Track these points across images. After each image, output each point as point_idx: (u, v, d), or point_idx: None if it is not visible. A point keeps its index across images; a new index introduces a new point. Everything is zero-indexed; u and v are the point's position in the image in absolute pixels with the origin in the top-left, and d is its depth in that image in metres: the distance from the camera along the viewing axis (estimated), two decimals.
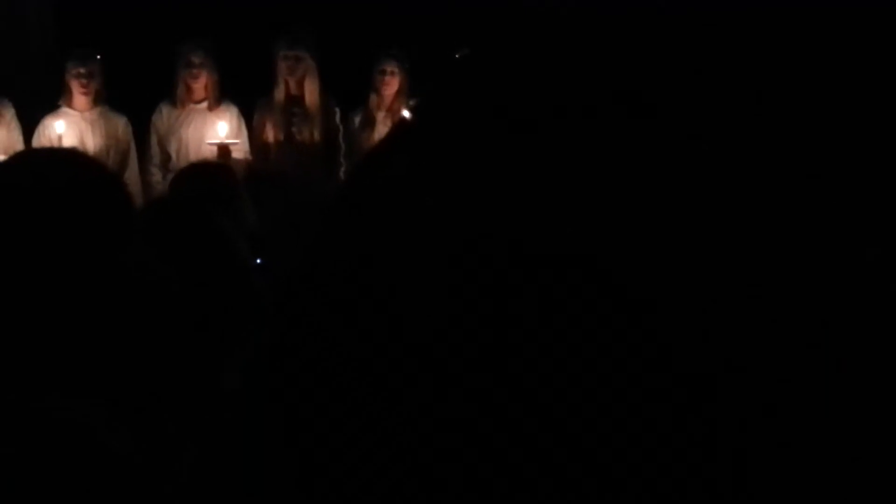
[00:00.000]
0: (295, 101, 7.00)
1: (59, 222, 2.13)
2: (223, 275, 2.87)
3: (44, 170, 2.21)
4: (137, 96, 7.12)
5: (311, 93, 6.98)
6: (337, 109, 7.10)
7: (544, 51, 0.71)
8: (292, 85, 6.99)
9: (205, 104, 7.03)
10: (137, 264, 2.23)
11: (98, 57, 7.00)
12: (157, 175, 7.08)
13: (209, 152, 6.80)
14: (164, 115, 7.09)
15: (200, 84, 6.99)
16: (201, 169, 4.50)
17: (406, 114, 6.91)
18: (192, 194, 3.87)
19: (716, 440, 0.61)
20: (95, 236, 2.15)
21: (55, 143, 6.61)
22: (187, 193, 3.94)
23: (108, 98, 7.06)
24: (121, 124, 7.06)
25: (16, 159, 2.41)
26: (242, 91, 7.12)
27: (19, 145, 6.80)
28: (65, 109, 6.96)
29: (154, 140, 7.10)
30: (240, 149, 6.93)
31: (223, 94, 7.06)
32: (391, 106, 7.13)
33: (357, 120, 7.21)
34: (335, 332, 0.69)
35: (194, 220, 2.96)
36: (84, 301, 2.11)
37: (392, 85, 7.13)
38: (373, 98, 7.18)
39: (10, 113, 6.83)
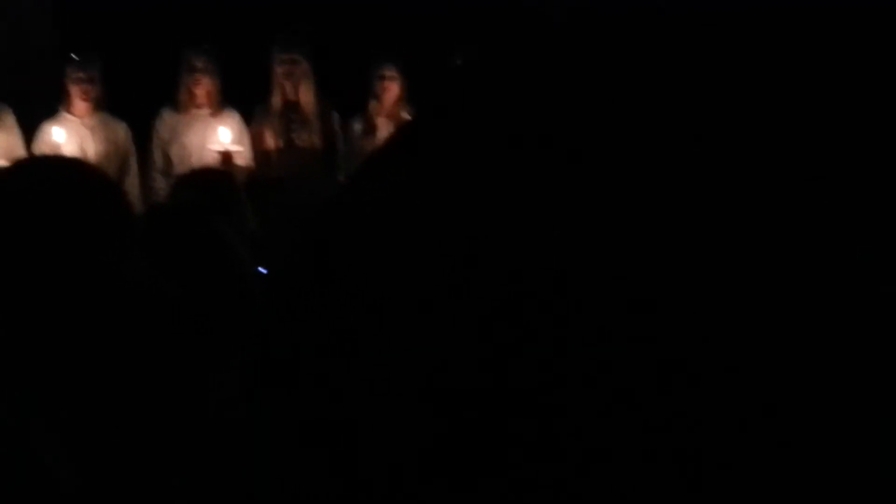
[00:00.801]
0: (292, 106, 6.99)
1: (55, 231, 2.13)
2: (223, 283, 2.86)
3: (42, 179, 2.21)
4: (139, 102, 7.10)
5: (307, 96, 6.99)
6: (335, 114, 7.10)
7: (541, 62, 0.70)
8: (289, 89, 6.99)
9: (207, 110, 7.02)
10: (136, 272, 2.23)
11: (98, 62, 6.98)
12: (159, 181, 7.06)
13: (211, 158, 6.79)
14: (166, 121, 7.08)
15: (203, 89, 6.98)
16: (202, 175, 4.49)
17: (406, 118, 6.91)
18: (192, 201, 3.86)
19: (713, 439, 0.61)
20: (93, 244, 2.14)
21: (55, 150, 6.59)
22: (188, 200, 3.93)
23: (108, 104, 7.03)
24: (121, 130, 7.04)
25: (14, 168, 2.41)
26: (244, 97, 7.11)
27: (20, 151, 6.79)
28: (65, 115, 6.94)
29: (156, 146, 7.09)
30: (242, 155, 6.91)
31: (225, 100, 7.05)
32: (391, 111, 7.12)
33: (358, 126, 7.19)
34: (327, 333, 0.69)
35: (194, 227, 2.95)
36: (80, 309, 2.10)
37: (392, 90, 7.11)
38: (373, 104, 7.16)
39: (10, 119, 6.81)
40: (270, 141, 7.03)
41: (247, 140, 7.04)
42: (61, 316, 2.11)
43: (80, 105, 6.93)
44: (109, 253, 2.18)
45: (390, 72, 7.12)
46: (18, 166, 2.42)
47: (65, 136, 6.75)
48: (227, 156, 6.73)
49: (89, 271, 2.13)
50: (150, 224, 2.85)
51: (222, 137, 6.81)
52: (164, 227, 2.88)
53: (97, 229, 2.17)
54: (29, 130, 6.89)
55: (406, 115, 6.96)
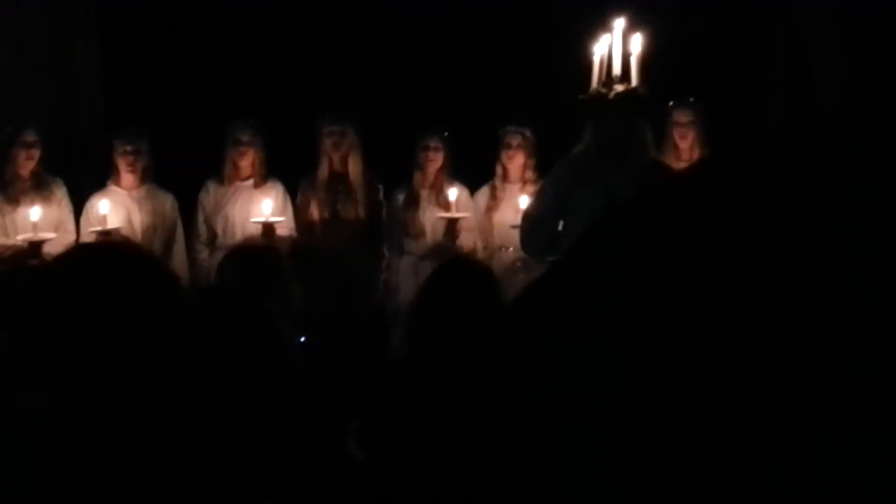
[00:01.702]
0: (339, 177, 7.04)
1: (109, 318, 2.16)
2: (268, 363, 2.87)
3: (96, 266, 2.25)
4: (184, 174, 7.18)
5: (355, 168, 7.01)
6: (380, 186, 7.13)
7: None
8: (336, 161, 7.03)
9: (251, 181, 7.08)
10: (185, 354, 2.25)
11: (145, 135, 7.07)
12: (203, 252, 7.12)
13: (255, 230, 6.84)
14: (210, 193, 7.14)
15: (247, 162, 7.05)
16: (247, 253, 4.53)
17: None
18: (238, 280, 3.91)
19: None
20: (145, 328, 2.17)
21: (102, 222, 6.68)
22: (234, 279, 3.97)
23: (155, 176, 7.11)
24: (168, 202, 7.11)
25: (68, 255, 2.46)
26: (288, 169, 7.17)
27: (69, 223, 6.89)
28: (112, 188, 7.01)
29: (200, 217, 7.14)
30: (285, 226, 6.96)
31: (269, 172, 7.11)
32: (435, 182, 7.15)
33: (401, 197, 7.22)
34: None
35: (241, 308, 2.97)
36: (133, 390, 2.13)
37: (435, 161, 7.12)
38: (416, 175, 7.17)
39: (61, 192, 6.91)
40: (315, 212, 7.05)
41: (289, 210, 7.08)
42: (115, 396, 2.14)
43: (127, 177, 7.01)
44: (157, 336, 2.21)
45: (434, 143, 7.13)
46: (69, 255, 2.46)
47: (111, 208, 6.83)
48: (269, 227, 6.78)
49: (142, 354, 2.17)
50: (198, 305, 2.87)
51: (265, 209, 6.87)
52: (212, 309, 2.91)
53: (149, 314, 2.20)
54: (78, 202, 6.98)
55: (449, 186, 7.02)
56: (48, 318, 2.19)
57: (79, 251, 2.62)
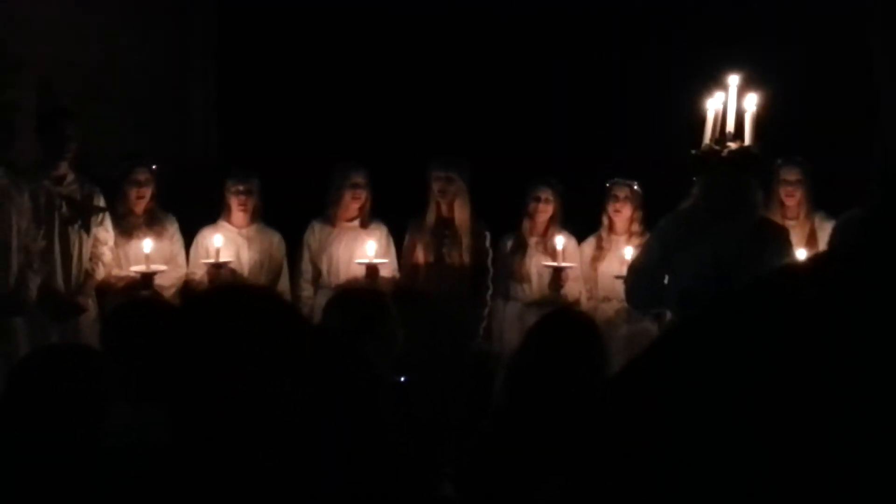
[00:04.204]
0: (445, 223, 7.09)
1: (243, 359, 2.21)
2: (370, 402, 2.90)
3: (236, 311, 2.30)
4: (289, 213, 7.29)
5: (461, 214, 7.06)
6: (487, 233, 7.16)
7: None
8: (443, 206, 7.09)
9: (356, 223, 7.17)
10: (303, 396, 2.29)
11: (256, 175, 7.20)
12: (307, 290, 7.22)
13: (358, 270, 6.92)
14: (316, 233, 7.24)
15: (359, 203, 7.15)
16: (354, 295, 4.59)
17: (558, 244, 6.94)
18: (344, 321, 3.97)
19: None
20: (272, 366, 2.22)
21: (214, 256, 6.82)
22: (340, 320, 4.03)
23: (264, 214, 7.23)
24: (275, 240, 7.23)
25: (210, 294, 2.52)
26: (394, 212, 7.24)
27: (181, 257, 7.06)
28: (222, 224, 7.16)
29: (306, 256, 7.24)
30: (388, 267, 7.04)
31: (374, 214, 7.19)
32: (544, 232, 7.18)
33: (509, 244, 7.25)
34: None
35: (346, 350, 3.01)
36: (247, 425, 2.18)
37: (546, 211, 7.16)
38: (525, 223, 7.22)
39: (173, 227, 7.07)
40: (421, 255, 7.11)
41: (392, 252, 7.16)
42: (231, 428, 2.18)
43: (237, 215, 7.16)
44: (285, 378, 2.25)
45: (545, 194, 7.17)
46: (214, 292, 2.51)
47: (222, 245, 6.96)
48: (373, 268, 6.85)
49: (265, 392, 2.20)
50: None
51: (369, 250, 6.95)
52: (318, 350, 2.95)
53: (280, 360, 2.24)
54: (189, 237, 7.14)
55: (557, 235, 7.02)
56: (189, 351, 2.23)
57: (221, 291, 2.67)
